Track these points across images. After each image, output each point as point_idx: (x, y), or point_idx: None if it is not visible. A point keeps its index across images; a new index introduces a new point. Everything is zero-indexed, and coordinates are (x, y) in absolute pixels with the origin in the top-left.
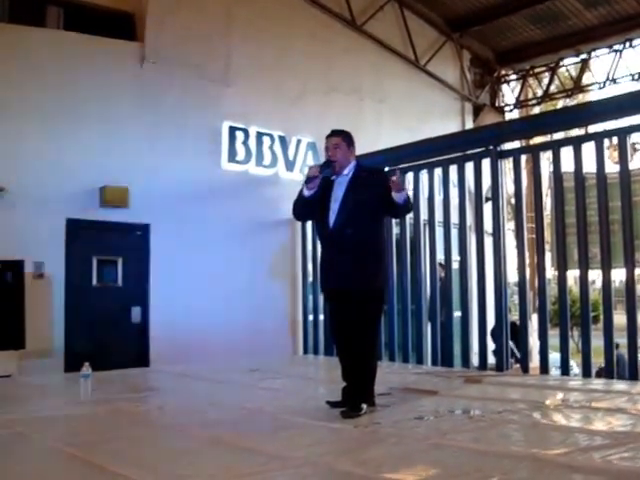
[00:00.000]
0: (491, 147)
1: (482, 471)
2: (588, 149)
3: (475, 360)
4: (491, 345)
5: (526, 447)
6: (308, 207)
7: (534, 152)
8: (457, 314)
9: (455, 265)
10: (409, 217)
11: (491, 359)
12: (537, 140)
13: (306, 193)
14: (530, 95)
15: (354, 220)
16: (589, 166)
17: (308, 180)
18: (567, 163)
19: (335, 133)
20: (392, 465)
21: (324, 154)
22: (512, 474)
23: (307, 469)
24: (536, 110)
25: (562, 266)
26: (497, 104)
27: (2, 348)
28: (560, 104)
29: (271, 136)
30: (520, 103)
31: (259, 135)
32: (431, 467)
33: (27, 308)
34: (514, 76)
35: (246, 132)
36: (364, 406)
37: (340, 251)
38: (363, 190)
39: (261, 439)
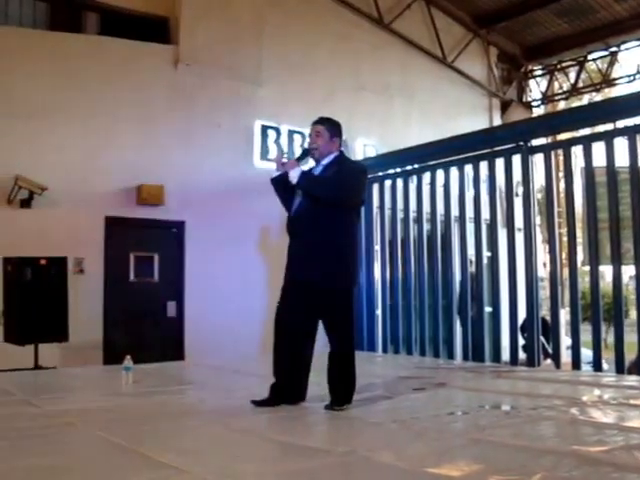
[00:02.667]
0: (521, 143)
1: (525, 467)
2: (618, 143)
3: (505, 355)
4: (521, 340)
5: (566, 443)
6: (281, 191)
7: (565, 147)
8: (488, 309)
9: (485, 260)
10: (440, 214)
11: (520, 354)
12: (566, 135)
13: (274, 174)
14: (558, 90)
15: (313, 210)
16: (621, 160)
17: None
18: (596, 157)
19: (320, 121)
20: (434, 460)
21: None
22: (555, 471)
23: (352, 463)
24: (562, 105)
25: (594, 262)
26: (524, 100)
27: (47, 340)
28: (586, 98)
29: (302, 134)
30: (547, 98)
31: (290, 133)
32: (473, 462)
33: (69, 303)
34: (541, 71)
35: (278, 131)
36: (346, 406)
37: (297, 243)
38: None
39: (302, 433)
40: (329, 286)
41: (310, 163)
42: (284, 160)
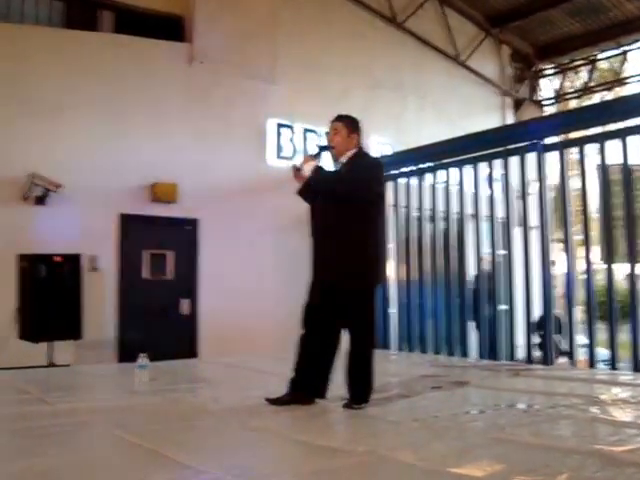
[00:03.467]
0: (536, 141)
1: (550, 467)
2: (631, 142)
3: (519, 353)
4: (536, 338)
5: (588, 443)
6: (309, 199)
7: (580, 145)
8: (503, 307)
9: (500, 259)
10: (455, 212)
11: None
12: (578, 134)
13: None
14: (570, 89)
15: (329, 209)
16: (635, 159)
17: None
18: (609, 155)
19: (338, 118)
20: (456, 460)
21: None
22: (581, 471)
23: (372, 463)
24: (574, 104)
25: (609, 260)
26: (537, 98)
27: (61, 338)
28: (598, 97)
29: (316, 132)
30: (559, 97)
31: (304, 131)
32: (496, 462)
33: (83, 300)
34: (553, 70)
35: (292, 129)
36: (364, 404)
37: (315, 242)
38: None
39: (320, 432)
40: (347, 286)
41: (329, 161)
42: (301, 167)
